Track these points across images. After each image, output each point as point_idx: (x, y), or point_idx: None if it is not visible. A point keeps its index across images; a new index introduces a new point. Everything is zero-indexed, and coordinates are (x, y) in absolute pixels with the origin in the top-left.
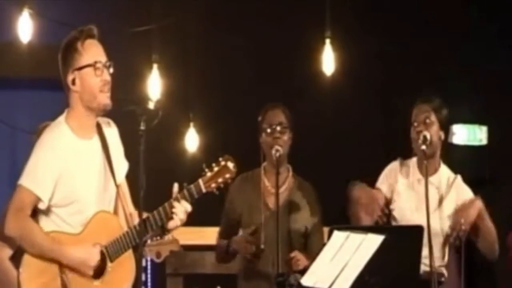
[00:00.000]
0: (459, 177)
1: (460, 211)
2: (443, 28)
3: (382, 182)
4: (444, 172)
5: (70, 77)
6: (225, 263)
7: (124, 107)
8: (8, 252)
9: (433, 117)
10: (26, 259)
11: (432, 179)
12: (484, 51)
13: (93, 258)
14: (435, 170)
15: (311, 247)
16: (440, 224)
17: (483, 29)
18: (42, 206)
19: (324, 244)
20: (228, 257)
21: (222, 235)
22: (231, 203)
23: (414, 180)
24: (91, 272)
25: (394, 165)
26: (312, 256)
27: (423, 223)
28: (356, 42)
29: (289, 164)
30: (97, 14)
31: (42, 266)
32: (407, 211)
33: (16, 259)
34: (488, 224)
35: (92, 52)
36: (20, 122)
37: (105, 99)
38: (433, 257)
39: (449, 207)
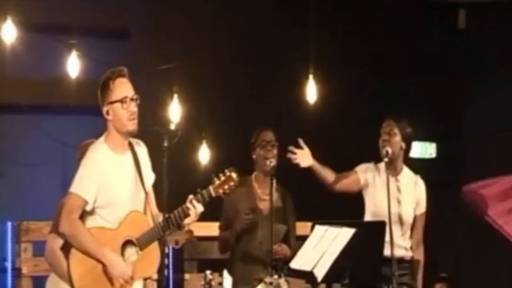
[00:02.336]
0: (419, 178)
1: None
2: (407, 68)
3: (360, 171)
4: (407, 172)
5: (105, 109)
6: (225, 252)
7: (150, 128)
8: (59, 242)
9: (396, 130)
10: (74, 249)
11: (398, 177)
12: (436, 87)
13: (128, 272)
14: (400, 171)
15: (289, 243)
16: (404, 211)
17: (436, 69)
18: (88, 207)
19: (307, 236)
20: (228, 245)
21: (222, 229)
22: (229, 202)
23: (383, 178)
24: (119, 280)
25: (370, 165)
26: (290, 247)
27: (392, 210)
28: (334, 77)
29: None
30: (130, 56)
31: (87, 254)
32: (378, 201)
33: (66, 248)
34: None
35: (121, 89)
36: (69, 140)
37: (132, 126)
38: (398, 238)
39: (410, 198)
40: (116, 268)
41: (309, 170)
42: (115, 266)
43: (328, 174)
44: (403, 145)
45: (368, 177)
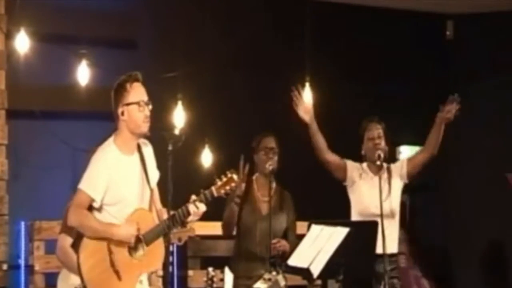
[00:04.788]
0: (391, 164)
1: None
2: (398, 76)
3: (348, 163)
4: (385, 168)
5: (120, 110)
6: (229, 232)
7: (156, 133)
8: (69, 240)
9: (381, 132)
10: (83, 243)
11: (381, 174)
12: (424, 94)
13: (132, 230)
14: (381, 169)
15: (288, 239)
16: (391, 205)
17: (425, 77)
18: (95, 204)
19: (303, 235)
20: (231, 220)
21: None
22: (230, 206)
23: (368, 177)
24: (132, 240)
25: (357, 164)
26: (289, 243)
27: (377, 206)
28: (328, 85)
29: (275, 178)
30: (137, 65)
31: (95, 248)
32: (365, 201)
33: (75, 246)
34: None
35: (138, 92)
36: (79, 144)
37: (145, 128)
38: (389, 232)
39: (395, 186)
40: (125, 237)
41: (305, 127)
42: (124, 236)
43: (321, 139)
44: (386, 147)
45: (355, 175)
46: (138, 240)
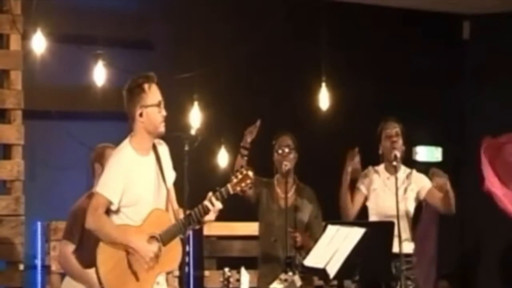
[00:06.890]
0: (414, 171)
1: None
2: (414, 76)
3: (361, 183)
4: (402, 169)
5: (138, 111)
6: None
7: (172, 133)
8: (71, 247)
9: (399, 131)
10: (101, 245)
11: (397, 175)
12: (442, 94)
13: (151, 250)
14: (398, 169)
15: (313, 234)
16: (405, 206)
17: (442, 77)
18: (113, 207)
19: (321, 234)
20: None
21: None
22: (255, 186)
23: (384, 178)
24: (148, 259)
25: (368, 170)
26: (314, 240)
27: (393, 207)
28: (345, 85)
29: (295, 175)
30: (153, 66)
31: (113, 251)
32: (381, 202)
33: (77, 252)
34: (451, 191)
35: (156, 94)
36: (95, 145)
37: (163, 128)
38: (401, 233)
39: (411, 193)
40: (141, 250)
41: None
42: (140, 248)
43: (349, 197)
44: (403, 146)
45: (368, 184)
46: (155, 240)
